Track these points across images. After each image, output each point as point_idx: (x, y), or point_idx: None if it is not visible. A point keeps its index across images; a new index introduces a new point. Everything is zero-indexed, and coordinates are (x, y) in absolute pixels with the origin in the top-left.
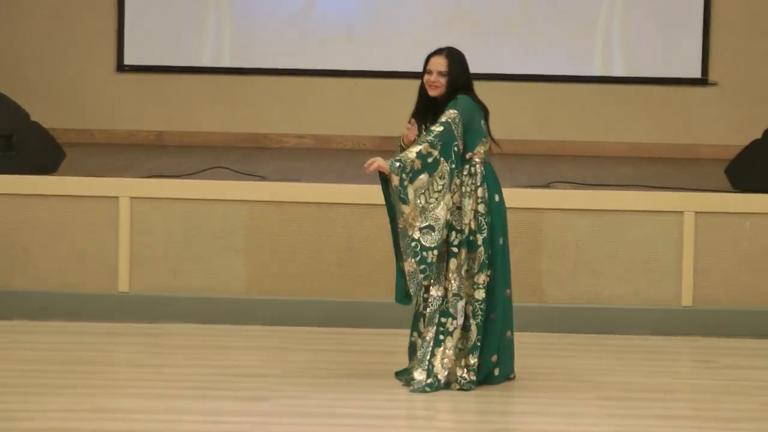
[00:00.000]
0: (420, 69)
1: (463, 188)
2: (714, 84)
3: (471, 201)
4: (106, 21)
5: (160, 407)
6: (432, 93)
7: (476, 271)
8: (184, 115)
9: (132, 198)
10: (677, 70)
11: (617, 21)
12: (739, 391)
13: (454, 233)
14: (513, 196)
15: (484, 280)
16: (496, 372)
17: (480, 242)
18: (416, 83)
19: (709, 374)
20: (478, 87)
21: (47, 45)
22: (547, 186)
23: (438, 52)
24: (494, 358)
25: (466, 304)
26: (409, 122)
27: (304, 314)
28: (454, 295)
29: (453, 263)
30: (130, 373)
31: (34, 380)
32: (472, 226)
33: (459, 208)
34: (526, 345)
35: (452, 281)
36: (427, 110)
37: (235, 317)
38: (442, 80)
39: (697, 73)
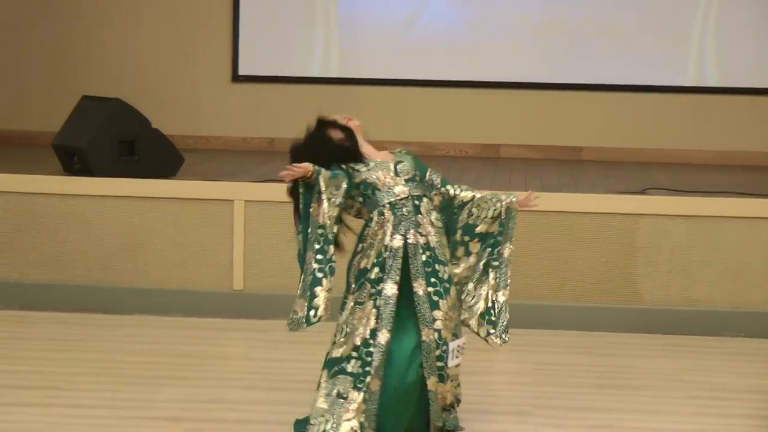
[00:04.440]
0: (516, 80)
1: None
2: None
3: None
4: (222, 34)
5: (271, 399)
6: (354, 123)
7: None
8: (295, 123)
9: (246, 201)
10: None
11: (711, 32)
12: None
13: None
14: (608, 202)
15: None
16: None
17: None
18: (514, 93)
19: None
20: (573, 97)
21: (167, 57)
22: (641, 192)
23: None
24: None
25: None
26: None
27: None
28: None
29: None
30: (243, 366)
31: (154, 372)
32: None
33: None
34: (620, 345)
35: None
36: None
37: None
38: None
39: None
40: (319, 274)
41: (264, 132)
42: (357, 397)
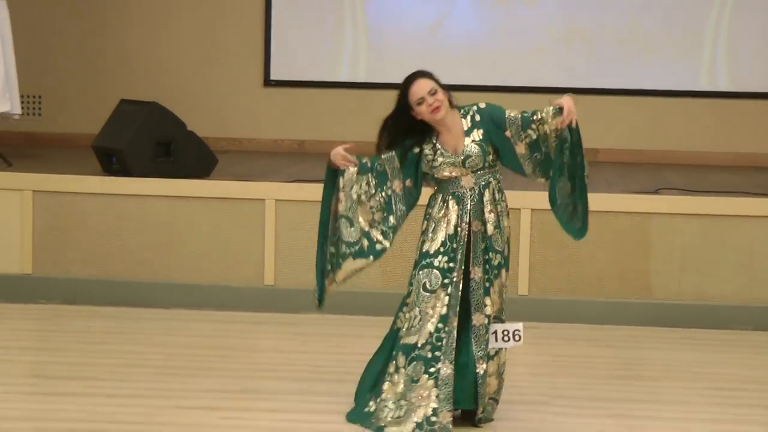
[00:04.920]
0: (537, 84)
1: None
2: None
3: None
4: (254, 40)
5: (300, 389)
6: (439, 115)
7: None
8: (324, 125)
9: (277, 200)
10: None
11: (723, 39)
12: None
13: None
14: (624, 201)
15: None
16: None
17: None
18: (535, 98)
19: None
20: (591, 101)
21: (202, 63)
22: (655, 192)
23: (413, 79)
24: None
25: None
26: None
27: None
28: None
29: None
30: (274, 357)
31: (189, 363)
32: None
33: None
34: (635, 338)
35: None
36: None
37: (370, 309)
38: (440, 96)
39: None
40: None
41: (294, 134)
42: (428, 382)
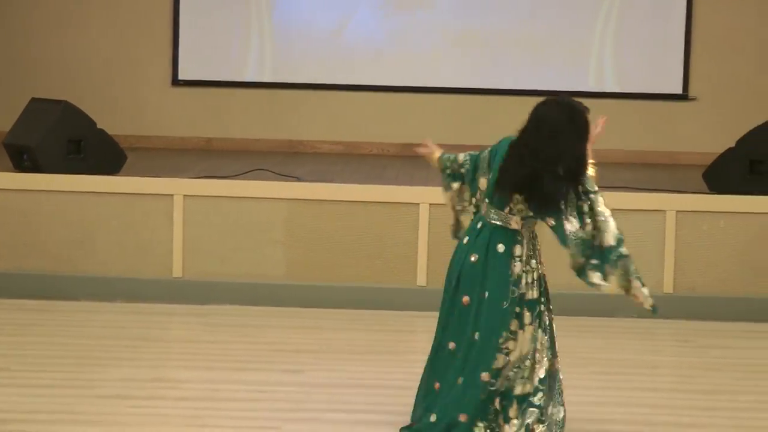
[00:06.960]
0: (435, 85)
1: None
2: (694, 99)
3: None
4: (163, 42)
5: (209, 377)
6: None
7: None
8: (230, 123)
9: (185, 196)
10: (661, 87)
11: (609, 43)
12: (715, 367)
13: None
14: None
15: None
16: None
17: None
18: (433, 98)
19: (688, 352)
20: (486, 101)
21: (112, 62)
22: None
23: (586, 108)
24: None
25: None
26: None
27: (335, 297)
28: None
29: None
30: (183, 347)
31: (100, 353)
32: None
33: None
34: None
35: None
36: None
37: (275, 300)
38: None
39: (678, 89)
40: None
41: (201, 132)
42: (541, 428)
